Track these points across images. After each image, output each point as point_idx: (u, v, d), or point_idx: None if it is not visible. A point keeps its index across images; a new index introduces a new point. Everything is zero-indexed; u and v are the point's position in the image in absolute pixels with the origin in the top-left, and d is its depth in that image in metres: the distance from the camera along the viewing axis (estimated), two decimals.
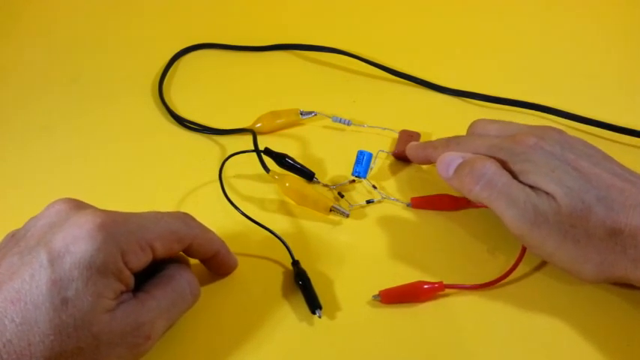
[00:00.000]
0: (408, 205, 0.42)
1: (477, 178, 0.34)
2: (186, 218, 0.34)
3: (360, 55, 0.55)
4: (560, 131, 0.37)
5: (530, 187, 0.34)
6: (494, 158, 0.35)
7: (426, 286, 0.36)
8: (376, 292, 0.36)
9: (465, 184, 0.35)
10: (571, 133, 0.47)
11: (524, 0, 0.65)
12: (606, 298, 0.36)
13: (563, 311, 0.35)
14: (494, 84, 0.52)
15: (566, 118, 0.49)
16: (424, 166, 0.45)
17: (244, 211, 0.40)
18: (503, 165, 0.35)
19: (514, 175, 0.34)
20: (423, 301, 0.36)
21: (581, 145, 0.36)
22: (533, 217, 0.33)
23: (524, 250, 0.36)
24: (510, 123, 0.39)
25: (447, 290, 0.36)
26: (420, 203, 0.41)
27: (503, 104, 0.50)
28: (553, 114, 0.49)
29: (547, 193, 0.33)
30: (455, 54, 0.58)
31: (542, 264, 0.38)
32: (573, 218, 0.32)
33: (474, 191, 0.35)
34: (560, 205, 0.32)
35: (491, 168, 0.34)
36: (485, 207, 0.41)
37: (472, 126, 0.41)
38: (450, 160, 0.37)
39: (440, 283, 0.36)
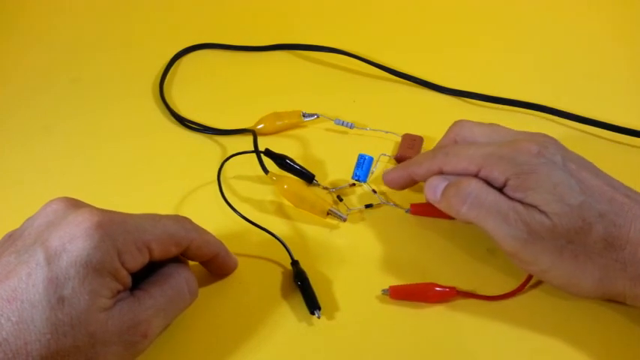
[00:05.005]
0: (407, 211, 0.41)
1: (463, 198, 0.33)
2: (184, 222, 0.33)
3: (360, 55, 0.55)
4: (553, 138, 0.36)
5: (522, 203, 0.32)
6: (494, 168, 0.33)
7: (437, 289, 0.35)
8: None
9: (452, 206, 0.34)
10: (571, 133, 0.48)
11: (525, 0, 0.65)
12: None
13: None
14: (494, 84, 0.52)
15: (566, 118, 0.48)
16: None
17: (243, 213, 0.40)
18: (504, 175, 0.33)
19: (513, 188, 0.32)
20: (429, 303, 0.35)
21: (576, 155, 0.35)
22: (525, 234, 0.32)
23: None
24: (497, 128, 0.37)
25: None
26: (419, 210, 0.41)
27: (503, 104, 0.50)
28: (553, 114, 0.49)
29: (541, 211, 0.32)
30: (455, 54, 0.58)
31: None
32: (571, 235, 0.31)
33: (462, 211, 0.33)
34: (556, 224, 0.31)
35: (477, 186, 0.33)
36: None
37: (455, 127, 0.38)
38: (437, 183, 0.35)
39: (452, 288, 0.35)
